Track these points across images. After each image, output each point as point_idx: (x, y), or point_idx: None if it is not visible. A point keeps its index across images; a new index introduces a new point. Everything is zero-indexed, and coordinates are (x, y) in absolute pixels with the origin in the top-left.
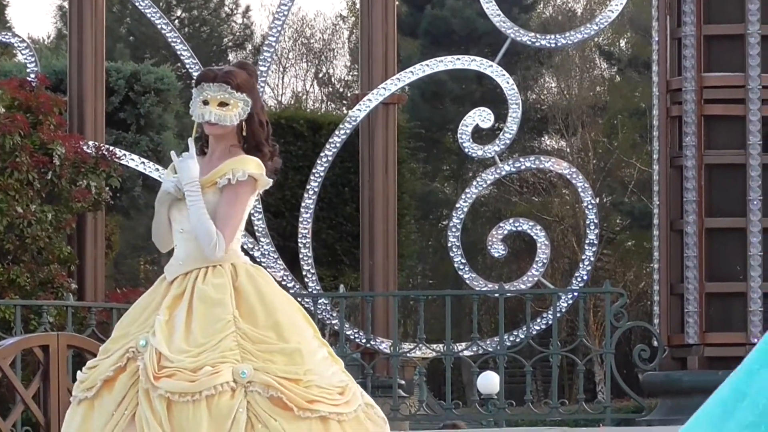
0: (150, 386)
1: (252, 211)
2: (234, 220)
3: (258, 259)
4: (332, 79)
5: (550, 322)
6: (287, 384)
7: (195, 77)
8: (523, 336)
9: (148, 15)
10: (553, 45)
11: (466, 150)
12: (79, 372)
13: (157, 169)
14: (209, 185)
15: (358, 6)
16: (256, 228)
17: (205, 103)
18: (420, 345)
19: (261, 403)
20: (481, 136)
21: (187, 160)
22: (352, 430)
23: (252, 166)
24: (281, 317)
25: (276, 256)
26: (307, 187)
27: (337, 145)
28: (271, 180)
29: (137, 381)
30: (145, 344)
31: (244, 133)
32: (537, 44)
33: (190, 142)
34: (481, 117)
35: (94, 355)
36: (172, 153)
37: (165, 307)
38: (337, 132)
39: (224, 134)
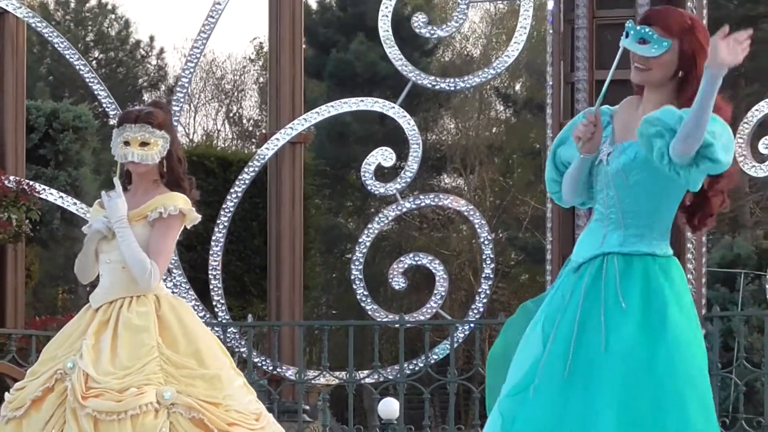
0: (78, 405)
1: None
2: (166, 252)
3: (171, 290)
4: (242, 118)
5: (447, 352)
6: (208, 407)
7: (117, 118)
8: (422, 364)
9: (67, 56)
10: (452, 88)
11: (369, 187)
12: (6, 393)
13: (75, 203)
14: (138, 218)
15: (266, 49)
16: None
17: (126, 143)
18: (324, 372)
19: (183, 424)
20: (383, 174)
21: (116, 200)
22: None
23: (181, 201)
24: (201, 345)
25: (188, 287)
26: (218, 221)
27: (246, 181)
28: (200, 216)
29: (65, 401)
30: (72, 366)
31: (165, 169)
32: (437, 87)
33: (116, 181)
34: (383, 156)
35: (15, 380)
36: (103, 192)
37: (92, 332)
38: (246, 169)
39: (147, 171)
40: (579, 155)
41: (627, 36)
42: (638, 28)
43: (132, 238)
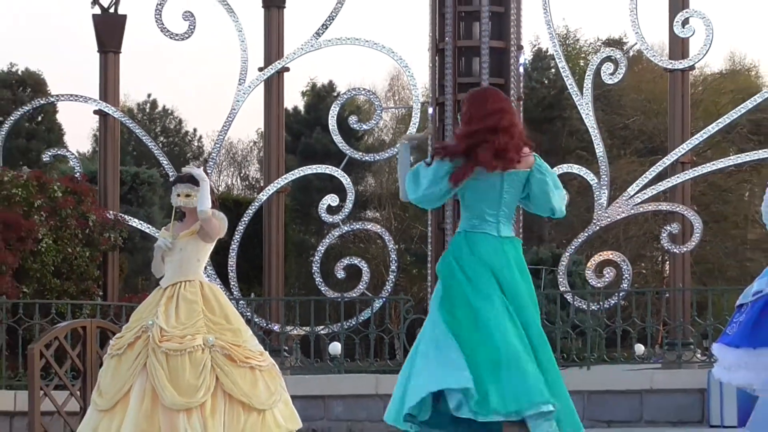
0: (155, 346)
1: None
2: (211, 239)
3: (207, 278)
4: (248, 177)
5: (369, 315)
6: (233, 347)
7: (172, 178)
8: (354, 322)
9: (144, 140)
10: (372, 159)
11: (323, 218)
12: (110, 340)
13: (148, 228)
14: (190, 235)
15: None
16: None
17: (178, 195)
18: (296, 327)
19: (219, 357)
20: (331, 210)
21: (161, 243)
22: (266, 374)
23: (206, 215)
24: (228, 311)
25: (216, 277)
26: (233, 238)
27: (250, 214)
28: (226, 226)
29: (147, 344)
30: (152, 323)
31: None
32: (363, 159)
33: (165, 230)
34: (331, 199)
35: (113, 333)
36: (163, 229)
37: (163, 303)
38: (249, 208)
39: (191, 209)
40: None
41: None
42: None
43: (206, 195)
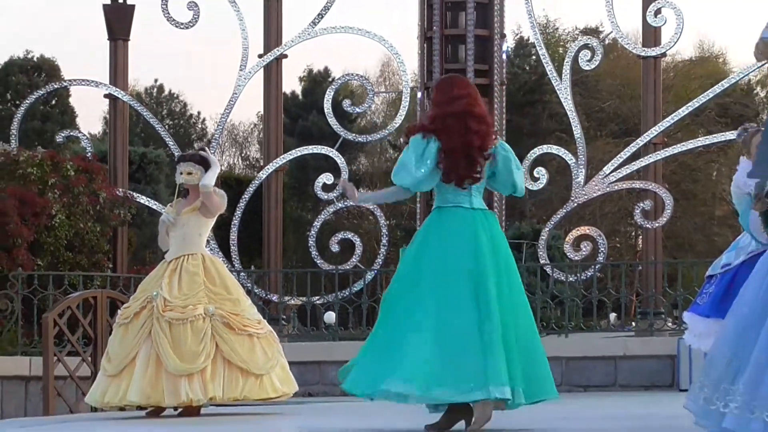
0: (159, 315)
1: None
2: (211, 216)
3: (210, 251)
4: (249, 157)
5: (362, 286)
6: (232, 316)
7: (176, 157)
8: (347, 293)
9: (152, 122)
10: (364, 141)
11: (319, 195)
12: (118, 310)
13: (155, 204)
14: (192, 210)
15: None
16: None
17: (181, 173)
18: (293, 297)
19: (218, 326)
20: (327, 187)
21: (166, 219)
22: (263, 341)
23: (208, 191)
24: (228, 282)
25: (218, 250)
26: (234, 214)
27: (251, 191)
28: (225, 202)
29: (152, 314)
30: (156, 294)
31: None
32: (356, 140)
33: (169, 207)
34: (326, 178)
35: (122, 303)
36: (168, 206)
37: (167, 275)
38: (250, 185)
39: (193, 186)
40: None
41: None
42: None
43: (210, 179)
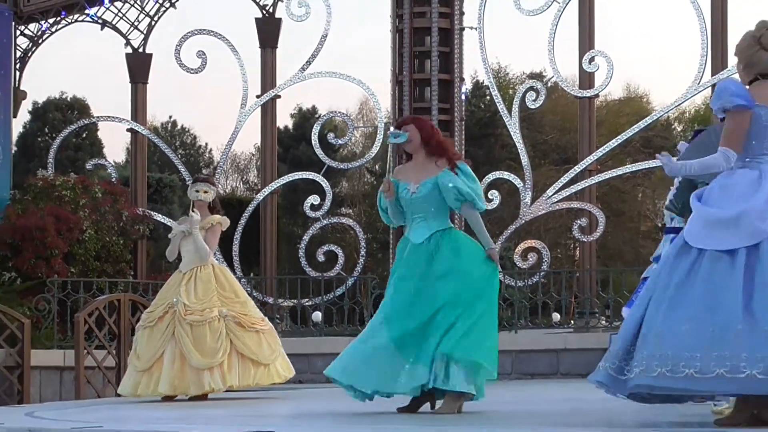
0: (181, 318)
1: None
2: (213, 244)
3: (217, 261)
4: (248, 181)
5: (344, 290)
6: (241, 316)
7: (191, 180)
8: (332, 296)
9: (167, 152)
10: (345, 167)
11: (307, 213)
12: (139, 312)
13: (169, 221)
14: (202, 228)
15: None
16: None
17: (197, 191)
18: (285, 300)
19: (231, 325)
20: (314, 207)
21: (195, 218)
22: (267, 335)
23: (218, 218)
24: (236, 288)
25: (223, 260)
26: (236, 229)
27: (250, 210)
28: (228, 222)
29: (174, 318)
30: (176, 301)
31: (212, 205)
32: (339, 167)
33: (193, 212)
34: (314, 199)
35: (142, 304)
36: (181, 219)
37: (183, 284)
38: (250, 205)
39: (203, 205)
40: (388, 201)
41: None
42: (392, 131)
43: (199, 236)
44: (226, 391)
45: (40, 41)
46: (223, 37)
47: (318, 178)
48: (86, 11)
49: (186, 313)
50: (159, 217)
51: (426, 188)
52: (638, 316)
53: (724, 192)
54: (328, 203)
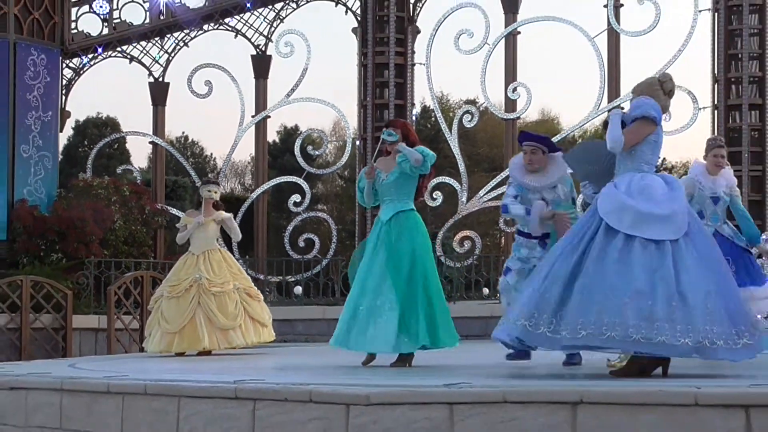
0: (206, 290)
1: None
2: (237, 229)
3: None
4: (244, 183)
5: (320, 268)
6: (249, 288)
7: (201, 181)
8: (310, 273)
9: (181, 160)
10: (321, 173)
11: (291, 208)
12: (166, 286)
13: (182, 215)
14: (212, 221)
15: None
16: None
17: (209, 191)
18: (274, 276)
19: (243, 295)
20: (296, 204)
21: (200, 217)
22: (263, 304)
23: (228, 214)
24: (238, 266)
25: (223, 244)
26: (235, 220)
27: (245, 206)
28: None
29: (199, 290)
30: (199, 277)
31: (217, 203)
32: (316, 172)
33: (197, 212)
34: (297, 197)
35: (159, 279)
36: (189, 211)
37: (201, 263)
38: (246, 202)
39: (211, 202)
40: (367, 182)
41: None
42: (385, 131)
43: (235, 224)
44: (245, 348)
45: (81, 72)
46: (226, 70)
47: (299, 181)
48: (118, 48)
49: (210, 285)
50: (174, 211)
51: (393, 175)
52: (563, 273)
53: (645, 191)
54: (307, 201)
